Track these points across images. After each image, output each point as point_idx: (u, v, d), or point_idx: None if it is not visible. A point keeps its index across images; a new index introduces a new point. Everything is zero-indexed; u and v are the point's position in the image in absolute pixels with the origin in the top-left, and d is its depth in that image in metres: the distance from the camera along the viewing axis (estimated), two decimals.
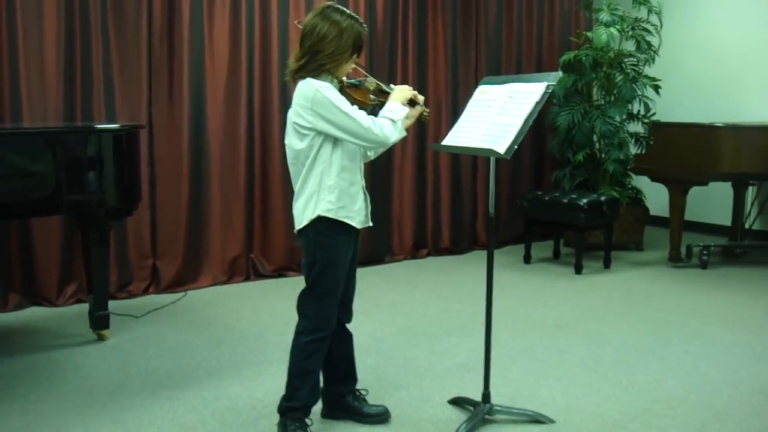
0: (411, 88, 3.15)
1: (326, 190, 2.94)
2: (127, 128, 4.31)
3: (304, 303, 3.07)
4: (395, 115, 3.01)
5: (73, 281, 5.17)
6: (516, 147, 2.98)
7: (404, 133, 3.06)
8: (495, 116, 3.15)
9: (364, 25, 3.01)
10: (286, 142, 3.01)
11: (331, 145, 2.93)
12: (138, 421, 3.30)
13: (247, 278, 5.86)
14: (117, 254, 5.27)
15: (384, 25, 6.41)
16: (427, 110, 3.22)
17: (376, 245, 6.43)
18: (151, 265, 5.49)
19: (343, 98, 2.92)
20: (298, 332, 3.07)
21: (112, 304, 4.64)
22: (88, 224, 4.30)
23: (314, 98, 2.85)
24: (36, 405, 3.46)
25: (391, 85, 3.21)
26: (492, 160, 3.24)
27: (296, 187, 3.02)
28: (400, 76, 6.50)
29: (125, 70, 5.29)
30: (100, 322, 4.37)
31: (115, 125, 4.52)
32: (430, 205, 6.84)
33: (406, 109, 3.06)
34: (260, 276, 5.89)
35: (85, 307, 4.64)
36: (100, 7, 5.15)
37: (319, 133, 2.90)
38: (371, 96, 3.13)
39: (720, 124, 5.97)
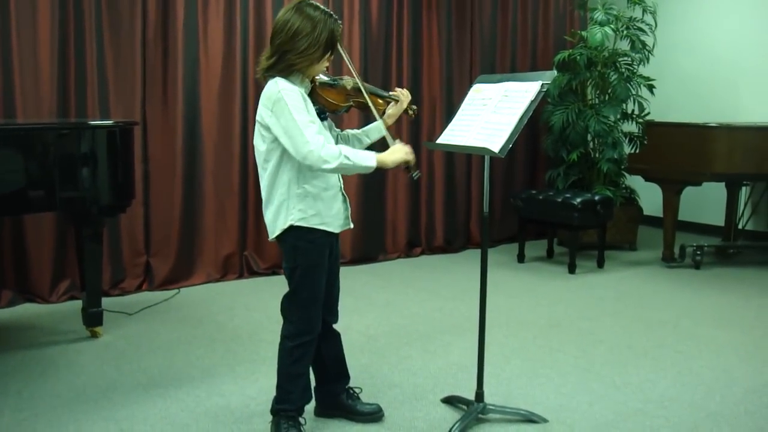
0: (410, 151, 2.99)
1: (295, 199, 2.89)
2: (121, 125, 4.30)
3: (288, 307, 3.05)
4: (355, 157, 2.83)
5: (66, 278, 5.16)
6: (510, 146, 2.98)
7: (343, 170, 2.85)
8: (490, 115, 3.15)
9: (339, 22, 2.92)
10: (254, 141, 2.96)
11: None
12: (131, 419, 3.30)
13: (241, 276, 5.85)
14: (110, 251, 5.26)
15: (379, 24, 6.40)
16: (414, 107, 3.22)
17: (370, 244, 6.43)
18: (144, 263, 5.48)
19: (302, 106, 2.80)
20: (284, 336, 3.05)
21: (106, 301, 4.63)
22: (81, 221, 4.28)
23: (276, 100, 2.78)
24: (29, 402, 3.45)
25: (395, 92, 3.19)
26: (486, 158, 3.24)
27: (263, 191, 2.95)
28: (395, 75, 6.50)
29: (119, 68, 5.28)
30: (93, 319, 4.36)
31: (109, 122, 4.50)
32: (424, 203, 6.84)
33: (372, 165, 2.87)
34: (254, 273, 5.89)
35: (78, 304, 4.64)
36: (94, 4, 5.13)
37: (276, 138, 2.82)
38: (347, 96, 3.06)
39: (714, 125, 5.99)
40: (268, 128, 2.84)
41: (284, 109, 2.76)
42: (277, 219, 2.93)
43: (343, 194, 3.06)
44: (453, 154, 6.79)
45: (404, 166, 3.01)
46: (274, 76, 2.87)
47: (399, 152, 2.97)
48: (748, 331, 4.61)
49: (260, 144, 2.91)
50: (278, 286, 5.44)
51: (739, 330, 4.62)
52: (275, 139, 2.84)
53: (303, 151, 2.75)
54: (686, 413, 3.40)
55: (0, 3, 4.81)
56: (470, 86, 3.46)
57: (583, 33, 6.85)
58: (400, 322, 4.75)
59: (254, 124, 5.87)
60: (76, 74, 5.11)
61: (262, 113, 2.84)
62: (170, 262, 5.55)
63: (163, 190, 5.52)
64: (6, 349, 4.18)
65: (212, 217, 5.72)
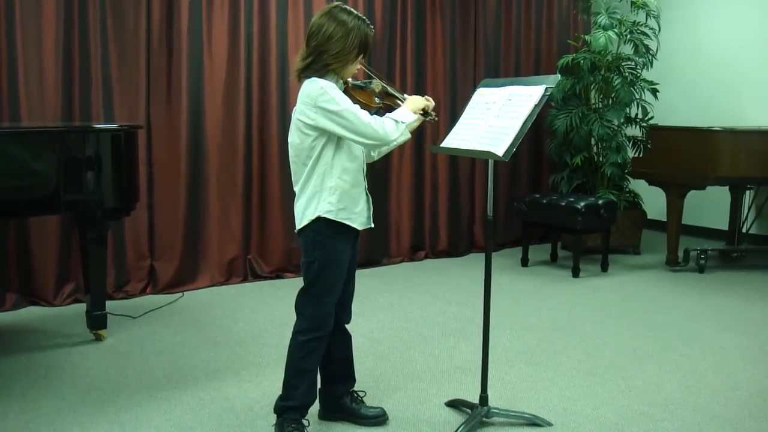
0: (427, 98, 3.17)
1: (327, 192, 2.95)
2: (125, 128, 4.31)
3: (302, 302, 3.07)
4: (400, 117, 3.02)
5: (71, 281, 5.17)
6: (514, 150, 2.98)
7: (407, 136, 3.06)
8: (493, 119, 3.16)
9: (371, 26, 3.03)
10: (289, 139, 3.03)
11: (333, 146, 2.95)
12: (135, 422, 3.30)
13: (245, 279, 5.86)
14: (114, 254, 5.27)
15: (383, 27, 6.41)
16: (436, 117, 3.23)
17: (374, 247, 6.43)
18: (148, 266, 5.48)
19: (346, 97, 2.93)
20: (296, 331, 3.07)
21: (110, 304, 4.64)
22: (85, 224, 4.29)
23: (319, 96, 2.86)
24: (33, 405, 3.46)
25: (405, 95, 3.22)
26: (490, 162, 3.24)
27: (297, 187, 3.03)
28: (398, 78, 6.51)
29: (124, 71, 5.29)
30: (97, 322, 4.36)
31: (114, 125, 4.52)
32: (428, 207, 6.84)
33: (414, 117, 3.07)
34: (258, 277, 5.89)
35: (82, 307, 4.64)
36: (99, 7, 5.15)
37: (322, 133, 2.91)
38: (376, 99, 3.14)
39: (717, 128, 5.98)
40: (312, 126, 2.90)
41: (332, 101, 2.86)
42: (307, 209, 2.98)
43: (367, 193, 3.11)
44: (457, 157, 6.80)
45: (422, 113, 3.14)
46: (309, 77, 2.94)
47: (417, 100, 3.13)
48: (753, 334, 4.61)
49: (299, 141, 2.96)
50: (282, 289, 5.49)
51: (744, 333, 4.62)
52: (319, 136, 2.92)
53: (368, 131, 2.91)
54: (690, 416, 3.39)
55: (5, 6, 4.83)
56: (474, 90, 3.46)
57: (587, 37, 6.85)
58: (404, 326, 4.75)
59: (258, 127, 5.99)
60: (81, 77, 5.13)
61: (305, 111, 2.91)
62: (174, 265, 5.55)
63: (167, 194, 5.52)
64: (10, 352, 4.19)
65: (216, 220, 5.72)
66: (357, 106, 2.93)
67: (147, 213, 5.44)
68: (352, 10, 3.00)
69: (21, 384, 3.71)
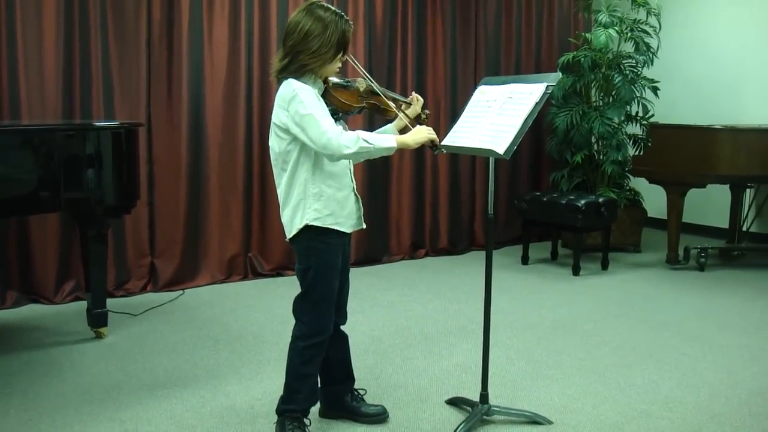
0: (432, 130, 3.04)
1: (312, 198, 2.90)
2: (126, 126, 4.31)
3: (300, 308, 3.05)
4: (374, 139, 2.88)
5: (71, 279, 5.17)
6: (515, 147, 2.98)
7: (367, 154, 2.90)
8: (494, 116, 3.15)
9: (350, 22, 2.94)
10: (269, 143, 2.98)
11: (312, 151, 2.87)
12: (136, 419, 3.30)
13: (245, 277, 5.86)
14: (115, 252, 5.27)
15: (383, 26, 6.41)
16: (427, 111, 3.20)
17: (374, 245, 6.43)
18: (149, 264, 5.49)
19: (316, 102, 2.84)
20: (296, 336, 3.05)
21: (110, 302, 4.64)
22: (86, 222, 4.29)
23: (291, 98, 2.80)
24: (34, 402, 3.46)
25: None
26: (491, 160, 3.24)
27: (280, 193, 2.97)
28: (399, 77, 6.50)
29: (124, 69, 5.29)
30: (97, 319, 4.37)
31: (114, 123, 4.51)
32: (429, 205, 6.84)
33: (393, 145, 2.92)
34: (258, 275, 5.89)
35: (82, 305, 4.64)
36: (99, 5, 5.14)
37: (295, 137, 2.84)
38: (360, 98, 3.07)
39: (718, 127, 5.98)
40: (285, 129, 2.85)
41: (299, 105, 2.78)
42: (293, 219, 2.94)
43: (355, 194, 3.08)
44: (457, 155, 6.80)
45: (429, 145, 3.06)
46: (287, 78, 2.88)
47: (421, 133, 3.02)
48: (753, 332, 4.61)
49: (276, 145, 2.92)
50: (283, 287, 5.49)
51: (744, 332, 4.62)
52: (293, 140, 2.86)
53: (322, 140, 2.78)
54: (691, 415, 3.40)
55: (6, 4, 4.83)
56: (475, 88, 3.46)
57: (588, 35, 6.85)
58: (404, 324, 4.75)
59: (259, 126, 5.98)
60: (81, 75, 5.13)
61: (279, 114, 2.86)
62: (175, 263, 5.55)
63: (167, 191, 5.52)
64: (11, 350, 4.19)
65: (217, 218, 5.72)
66: (324, 112, 2.84)
67: (147, 211, 5.45)
68: (329, 6, 2.91)
69: (21, 382, 3.72)
